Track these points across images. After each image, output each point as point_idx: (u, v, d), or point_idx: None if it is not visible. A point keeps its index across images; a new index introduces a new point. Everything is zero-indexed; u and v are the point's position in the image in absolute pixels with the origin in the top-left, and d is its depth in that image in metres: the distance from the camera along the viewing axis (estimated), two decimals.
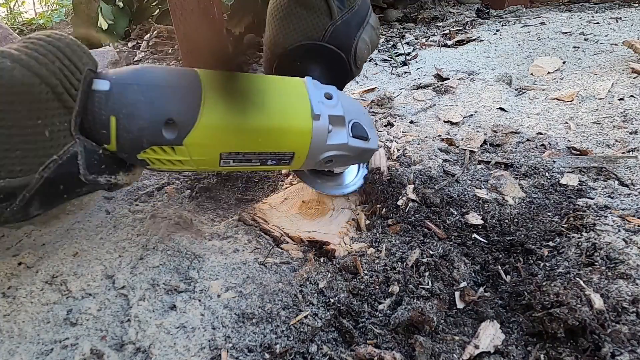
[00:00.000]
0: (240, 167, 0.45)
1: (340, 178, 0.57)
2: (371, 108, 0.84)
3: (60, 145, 0.36)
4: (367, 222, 0.53)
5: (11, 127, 0.33)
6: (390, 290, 0.42)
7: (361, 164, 0.58)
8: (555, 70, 0.92)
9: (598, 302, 0.36)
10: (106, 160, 0.39)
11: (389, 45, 1.32)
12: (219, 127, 0.40)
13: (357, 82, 1.04)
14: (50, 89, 0.34)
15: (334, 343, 0.38)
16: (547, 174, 0.56)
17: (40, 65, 0.33)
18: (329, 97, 0.45)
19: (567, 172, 0.56)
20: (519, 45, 1.12)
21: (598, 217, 0.47)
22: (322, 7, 0.51)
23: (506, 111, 0.77)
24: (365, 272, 0.44)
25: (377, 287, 0.42)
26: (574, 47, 1.03)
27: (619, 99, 0.74)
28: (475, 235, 0.48)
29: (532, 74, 0.94)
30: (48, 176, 0.36)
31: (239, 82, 0.42)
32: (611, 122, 0.67)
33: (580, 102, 0.76)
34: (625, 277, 0.39)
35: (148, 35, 1.50)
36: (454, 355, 0.35)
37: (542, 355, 0.35)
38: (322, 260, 0.48)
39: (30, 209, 0.37)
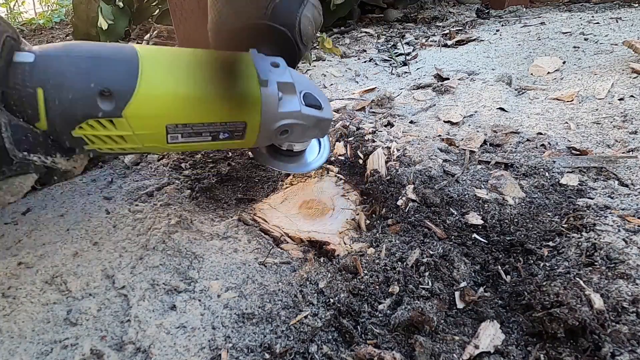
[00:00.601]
0: (191, 143, 0.42)
1: (302, 157, 0.55)
2: (371, 108, 0.84)
3: None
4: (367, 222, 0.53)
5: None
6: (390, 290, 0.42)
7: (322, 143, 0.57)
8: (555, 70, 0.92)
9: (598, 302, 0.36)
10: (39, 139, 0.35)
11: (389, 45, 1.32)
12: (160, 95, 0.38)
13: (357, 82, 1.04)
14: None
15: (334, 343, 0.38)
16: (547, 174, 0.56)
17: None
18: (275, 65, 0.45)
19: (567, 172, 0.56)
20: (519, 45, 1.12)
21: (598, 217, 0.47)
22: None
23: (506, 111, 0.77)
24: (365, 272, 0.44)
25: (377, 287, 0.42)
26: (574, 47, 1.03)
27: (619, 99, 0.74)
28: (475, 235, 0.48)
29: (532, 74, 0.94)
30: None
31: (182, 53, 0.40)
32: (611, 122, 0.67)
33: (580, 102, 0.76)
34: (625, 277, 0.39)
35: (148, 35, 1.50)
36: (454, 355, 0.35)
37: (542, 355, 0.35)
38: (322, 260, 0.48)
39: None
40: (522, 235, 0.47)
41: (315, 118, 0.47)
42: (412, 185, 0.55)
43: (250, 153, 0.55)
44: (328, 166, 0.64)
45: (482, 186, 0.55)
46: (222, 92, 0.40)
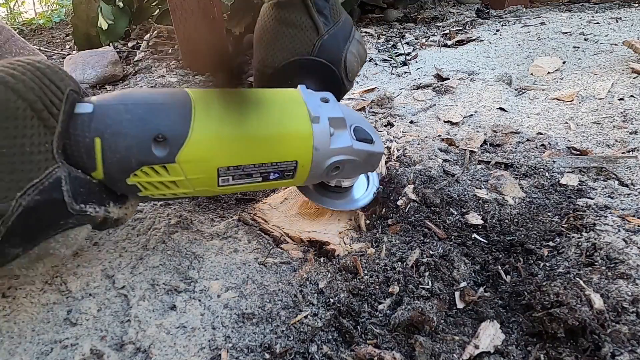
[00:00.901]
0: (241, 185, 0.42)
1: (350, 193, 0.54)
2: (371, 108, 0.84)
3: (41, 169, 0.32)
4: (367, 222, 0.53)
5: None
6: (390, 290, 0.42)
7: (369, 178, 0.56)
8: (555, 70, 0.92)
9: (598, 302, 0.36)
10: (94, 189, 0.36)
11: (389, 45, 1.32)
12: (213, 139, 0.38)
13: (357, 82, 1.04)
14: (28, 105, 0.31)
15: (334, 343, 0.38)
16: (547, 174, 0.56)
17: (17, 81, 0.31)
18: (325, 100, 0.44)
19: (567, 172, 0.56)
20: (519, 45, 1.12)
21: (598, 217, 0.47)
22: (307, 24, 0.52)
23: (506, 111, 0.77)
24: (365, 272, 0.44)
25: (377, 287, 0.42)
26: (574, 47, 1.03)
27: (619, 99, 0.74)
28: (475, 235, 0.48)
29: (532, 74, 0.94)
30: (27, 204, 0.32)
31: (232, 95, 0.41)
32: (611, 122, 0.67)
33: (580, 102, 0.76)
34: (625, 277, 0.39)
35: (148, 35, 1.50)
36: (454, 355, 0.35)
37: (542, 355, 0.35)
38: (322, 260, 0.48)
39: (8, 245, 0.33)
40: (522, 235, 0.47)
41: (366, 153, 0.45)
42: (412, 185, 0.55)
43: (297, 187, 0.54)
44: None
45: (482, 186, 0.55)
46: (273, 131, 0.40)
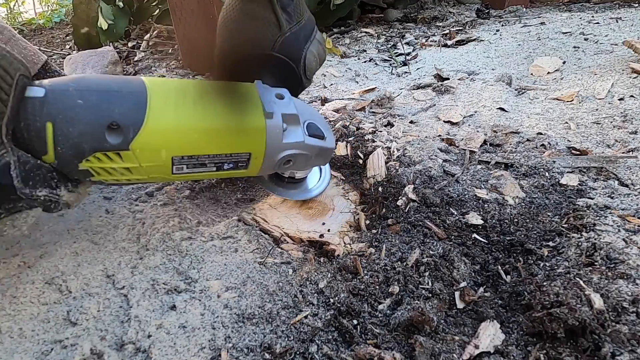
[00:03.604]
0: (195, 173, 0.43)
1: (303, 184, 0.56)
2: (371, 108, 0.84)
3: None
4: (367, 222, 0.53)
5: None
6: (390, 290, 0.42)
7: (323, 170, 0.58)
8: (555, 70, 0.92)
9: (598, 302, 0.36)
10: (44, 173, 0.36)
11: (389, 45, 1.32)
12: (168, 128, 0.38)
13: (357, 82, 1.04)
14: None
15: (334, 343, 0.38)
16: (547, 174, 0.56)
17: None
18: (280, 97, 0.46)
19: (567, 172, 0.56)
20: (519, 45, 1.12)
21: (598, 217, 0.47)
22: (271, 19, 0.53)
23: (506, 111, 0.77)
24: (365, 272, 0.44)
25: (377, 287, 0.42)
26: (574, 47, 1.03)
27: (619, 99, 0.74)
28: (475, 235, 0.48)
29: (532, 74, 0.94)
30: None
31: (190, 86, 0.41)
32: (611, 122, 0.67)
33: (580, 102, 0.76)
34: (625, 277, 0.39)
35: (148, 35, 1.50)
36: (454, 355, 0.35)
37: (542, 355, 0.35)
38: (322, 260, 0.48)
39: None
40: (522, 235, 0.47)
41: (318, 148, 0.47)
42: (412, 185, 0.55)
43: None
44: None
45: (482, 186, 0.55)
46: (228, 124, 0.41)
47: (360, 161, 0.64)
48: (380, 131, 0.73)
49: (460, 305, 0.40)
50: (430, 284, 0.42)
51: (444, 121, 0.76)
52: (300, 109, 0.47)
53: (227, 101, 0.43)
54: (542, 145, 0.64)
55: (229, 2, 0.55)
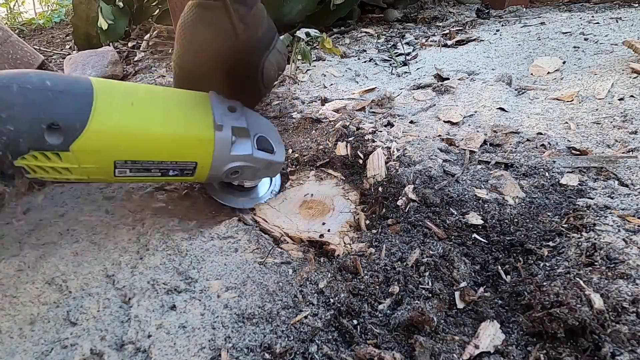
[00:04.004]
0: (138, 177, 0.43)
1: (253, 192, 0.57)
2: (371, 108, 0.84)
3: None
4: (367, 222, 0.53)
5: None
6: (390, 290, 0.42)
7: (273, 179, 0.59)
8: (555, 70, 0.92)
9: (598, 302, 0.36)
10: None
11: (389, 45, 1.32)
12: (113, 132, 0.37)
13: (357, 82, 1.04)
14: None
15: (334, 343, 0.38)
16: (547, 174, 0.56)
17: None
18: (232, 110, 0.46)
19: (567, 172, 0.56)
20: (519, 45, 1.12)
21: (598, 217, 0.47)
22: (227, 28, 0.52)
23: (506, 111, 0.77)
24: (365, 272, 0.44)
25: (377, 287, 0.42)
26: (574, 47, 1.03)
27: (619, 99, 0.74)
28: (475, 235, 0.48)
29: (532, 74, 0.94)
30: None
31: (138, 90, 0.41)
32: (611, 122, 0.67)
33: (580, 102, 0.76)
34: (625, 277, 0.39)
35: (148, 35, 1.50)
36: (454, 355, 0.35)
37: (542, 355, 0.35)
38: (322, 260, 0.48)
39: None
40: (522, 235, 0.47)
41: (266, 161, 0.49)
42: (412, 185, 0.55)
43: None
44: (328, 171, 0.64)
45: (482, 186, 0.55)
46: (176, 133, 0.41)
47: (360, 161, 0.64)
48: (380, 131, 0.73)
49: (460, 305, 0.40)
50: (430, 284, 0.42)
51: (444, 121, 0.76)
52: (252, 122, 0.47)
53: (179, 109, 0.42)
54: (542, 145, 0.64)
55: (186, 10, 0.54)
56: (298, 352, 0.37)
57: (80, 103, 0.36)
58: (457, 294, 0.41)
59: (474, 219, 0.50)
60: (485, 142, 0.67)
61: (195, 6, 0.53)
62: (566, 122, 0.70)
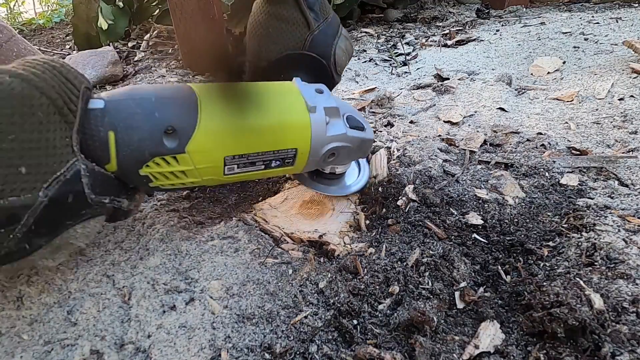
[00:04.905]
0: (245, 172, 0.45)
1: (342, 180, 0.57)
2: (371, 108, 0.84)
3: (63, 162, 0.34)
4: (367, 222, 0.53)
5: (12, 141, 0.31)
6: (390, 290, 0.42)
7: (361, 167, 0.59)
8: (555, 70, 0.92)
9: (598, 302, 0.36)
10: (108, 181, 0.38)
11: (389, 45, 1.32)
12: (220, 129, 0.40)
13: (357, 82, 1.04)
14: (50, 102, 0.33)
15: (334, 343, 0.38)
16: (547, 174, 0.56)
17: (39, 79, 0.33)
18: (320, 91, 0.47)
19: (567, 172, 0.56)
20: (519, 45, 1.12)
21: (598, 217, 0.47)
22: (299, 19, 0.55)
23: (506, 111, 0.77)
24: (365, 272, 0.44)
25: (377, 287, 0.42)
26: (574, 47, 1.03)
27: (619, 99, 0.74)
28: (475, 235, 0.48)
29: (532, 74, 0.94)
30: (52, 195, 0.34)
31: (234, 88, 0.43)
32: (611, 122, 0.67)
33: (580, 102, 0.76)
34: (625, 277, 0.39)
35: (148, 35, 1.50)
36: (454, 355, 0.35)
37: (542, 355, 0.35)
38: (322, 260, 0.48)
39: (34, 236, 0.35)
40: (522, 235, 0.47)
41: (359, 139, 0.49)
42: (412, 185, 0.55)
43: (292, 175, 0.58)
44: None
45: (482, 186, 0.55)
46: (274, 121, 0.42)
47: None
48: (380, 131, 0.73)
49: (460, 305, 0.40)
50: (430, 284, 0.42)
51: (444, 121, 0.76)
52: (339, 103, 0.48)
53: (270, 99, 0.44)
54: (542, 145, 0.64)
55: (256, 8, 0.57)
56: (298, 352, 0.37)
57: (188, 105, 0.39)
58: (457, 294, 0.41)
59: (474, 219, 0.50)
60: (485, 142, 0.67)
61: (265, 3, 0.55)
62: (566, 122, 0.70)
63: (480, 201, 0.52)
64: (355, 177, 0.59)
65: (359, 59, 1.24)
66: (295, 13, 0.55)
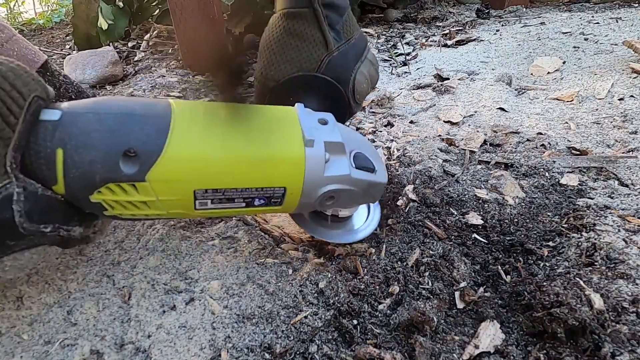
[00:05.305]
0: (221, 209, 0.37)
1: (349, 223, 0.49)
2: (371, 108, 0.84)
3: None
4: None
5: None
6: (390, 290, 0.42)
7: (371, 206, 0.51)
8: (555, 70, 0.92)
9: (598, 302, 0.36)
10: (55, 206, 0.32)
11: (389, 45, 1.32)
12: (190, 157, 0.33)
13: None
14: None
15: (334, 343, 0.38)
16: (547, 174, 0.56)
17: None
18: (324, 122, 0.39)
19: (567, 172, 0.56)
20: (519, 45, 1.12)
21: (598, 217, 0.47)
22: (317, 38, 0.48)
23: (506, 111, 0.77)
24: (365, 272, 0.44)
25: (377, 287, 0.42)
26: (574, 47, 1.03)
27: (619, 99, 0.74)
28: (475, 235, 0.48)
29: (532, 74, 0.94)
30: None
31: (220, 109, 0.37)
32: (611, 122, 0.67)
33: (580, 102, 0.76)
34: (625, 277, 0.39)
35: (148, 35, 1.50)
36: (454, 355, 0.35)
37: (542, 355, 0.35)
38: (322, 260, 0.48)
39: None
40: (522, 235, 0.47)
41: (366, 183, 0.40)
42: (412, 185, 0.55)
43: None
44: None
45: (482, 186, 0.55)
46: (260, 153, 0.35)
47: None
48: (380, 131, 0.73)
49: (460, 305, 0.40)
50: (430, 284, 0.42)
51: (444, 121, 0.76)
52: (347, 137, 0.40)
53: (261, 126, 0.37)
54: (542, 145, 0.64)
55: (272, 22, 0.50)
56: (298, 352, 0.37)
57: (157, 125, 0.33)
58: (457, 294, 0.41)
59: (474, 219, 0.50)
60: (485, 142, 0.67)
61: (282, 17, 0.49)
62: (566, 122, 0.70)
63: (480, 201, 0.52)
64: (363, 218, 0.49)
65: None
66: (313, 30, 0.48)
